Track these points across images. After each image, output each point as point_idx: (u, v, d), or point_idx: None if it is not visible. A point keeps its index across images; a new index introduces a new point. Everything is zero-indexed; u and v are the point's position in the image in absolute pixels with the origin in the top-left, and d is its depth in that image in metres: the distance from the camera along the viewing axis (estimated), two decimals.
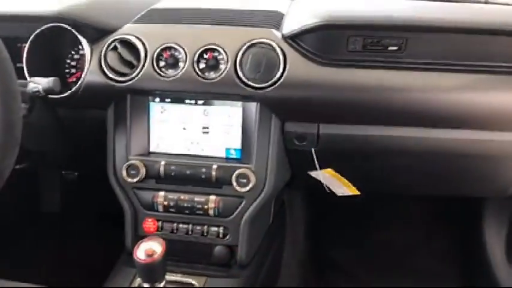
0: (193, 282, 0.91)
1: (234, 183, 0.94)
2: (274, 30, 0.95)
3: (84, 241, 1.37)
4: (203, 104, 0.97)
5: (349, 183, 1.12)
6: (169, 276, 0.89)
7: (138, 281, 0.87)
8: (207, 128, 0.98)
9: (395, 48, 0.89)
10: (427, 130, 0.93)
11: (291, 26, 0.94)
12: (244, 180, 0.94)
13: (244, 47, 0.91)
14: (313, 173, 1.08)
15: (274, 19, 0.98)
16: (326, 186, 1.15)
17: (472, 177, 1.06)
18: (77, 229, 1.43)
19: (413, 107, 0.90)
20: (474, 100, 0.89)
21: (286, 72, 0.89)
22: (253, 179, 0.94)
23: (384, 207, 1.54)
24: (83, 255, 1.31)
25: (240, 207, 0.96)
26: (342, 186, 1.15)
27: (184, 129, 0.99)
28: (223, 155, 0.99)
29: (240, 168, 0.95)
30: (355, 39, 0.89)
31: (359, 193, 1.16)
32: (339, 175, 1.09)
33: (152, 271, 0.76)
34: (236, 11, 1.02)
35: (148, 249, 0.75)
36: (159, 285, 0.78)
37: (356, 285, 1.42)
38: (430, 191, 1.17)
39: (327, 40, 0.90)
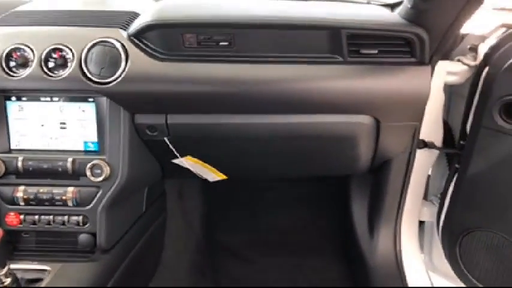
0: (47, 268, 0.96)
1: (89, 174, 1.01)
2: (120, 30, 1.02)
3: None
4: (59, 101, 1.03)
5: (214, 169, 1.22)
6: (18, 265, 0.94)
7: None
8: (64, 123, 1.04)
9: (226, 43, 0.98)
10: (267, 116, 1.03)
11: (134, 25, 1.01)
12: (99, 171, 1.01)
13: (88, 45, 0.98)
14: (176, 161, 1.16)
15: (125, 19, 1.05)
16: (197, 173, 1.24)
17: (319, 158, 1.18)
18: None
19: (248, 96, 1.00)
20: (303, 87, 1.00)
21: (127, 68, 0.97)
22: (106, 169, 1.01)
23: (274, 190, 1.65)
24: None
25: (97, 197, 1.03)
26: (209, 173, 1.24)
27: (42, 125, 1.04)
28: (82, 148, 1.05)
29: (94, 159, 1.01)
30: (189, 36, 0.98)
31: (226, 177, 1.26)
32: (201, 162, 1.18)
33: None
34: (88, 12, 1.08)
35: None
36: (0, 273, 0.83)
37: (248, 266, 1.52)
38: (288, 173, 1.28)
39: (165, 37, 0.99)
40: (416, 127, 1.13)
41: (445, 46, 1.05)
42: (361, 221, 1.41)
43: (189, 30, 0.97)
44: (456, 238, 1.22)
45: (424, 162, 1.29)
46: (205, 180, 1.24)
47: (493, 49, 1.05)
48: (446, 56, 1.15)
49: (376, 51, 0.97)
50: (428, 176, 1.42)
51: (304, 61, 0.99)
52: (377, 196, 1.34)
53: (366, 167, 1.24)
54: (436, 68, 1.13)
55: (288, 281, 1.46)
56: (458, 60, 1.17)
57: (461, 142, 1.17)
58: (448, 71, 1.17)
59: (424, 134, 1.23)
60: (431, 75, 1.10)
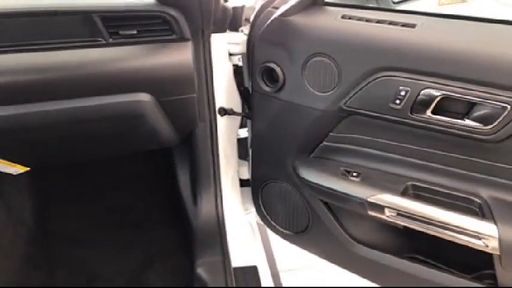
0: None
1: None
2: None
3: None
4: None
5: (7, 162, 1.19)
6: None
7: None
8: None
9: None
10: (38, 104, 1.03)
11: None
12: None
13: None
14: None
15: None
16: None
17: (117, 137, 1.21)
18: None
19: (14, 86, 0.98)
20: (72, 72, 1.01)
21: None
22: None
23: (107, 171, 1.67)
24: None
25: None
26: (6, 166, 1.21)
27: None
28: None
29: None
30: None
31: (28, 168, 1.24)
32: None
33: None
34: None
35: None
36: None
37: (86, 250, 1.53)
38: (95, 154, 1.30)
39: None
40: (200, 98, 1.22)
41: (211, 20, 1.12)
42: (186, 188, 1.50)
43: None
44: (257, 190, 1.37)
45: (230, 127, 1.40)
46: (32, 172, 1.21)
47: (254, 19, 1.15)
48: (223, 29, 1.24)
49: (135, 32, 1.01)
50: (246, 138, 1.55)
51: (69, 46, 1.00)
52: (194, 164, 1.42)
53: (174, 139, 1.31)
54: (218, 40, 1.22)
55: (127, 257, 1.51)
56: (242, 31, 1.27)
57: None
58: (230, 42, 1.26)
59: (224, 102, 1.33)
60: (208, 48, 1.18)
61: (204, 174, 1.42)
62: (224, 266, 1.30)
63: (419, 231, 1.01)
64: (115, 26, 1.00)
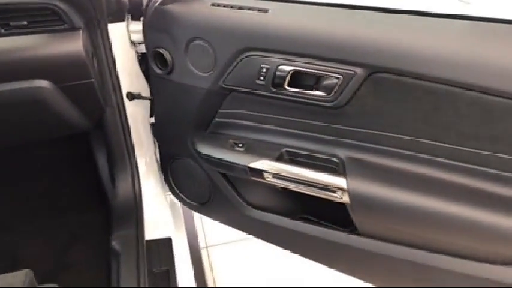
0: None
1: None
2: None
3: None
4: None
5: None
6: None
7: None
8: None
9: None
10: None
11: None
12: None
13: None
14: None
15: None
16: None
17: (22, 124, 1.29)
18: None
19: None
20: None
21: None
22: None
23: (28, 156, 1.73)
24: None
25: None
26: None
27: None
28: None
29: None
30: None
31: None
32: None
33: None
34: None
35: None
36: None
37: (10, 235, 1.60)
38: (2, 141, 1.37)
39: None
40: (104, 84, 1.31)
41: (105, 11, 1.22)
42: (104, 171, 1.59)
43: None
44: (166, 167, 1.48)
45: (141, 110, 1.51)
46: None
47: (145, 8, 1.25)
48: (121, 19, 1.33)
49: (25, 23, 1.10)
50: None
51: None
52: (109, 147, 1.52)
53: (84, 124, 1.39)
54: (119, 28, 1.31)
55: (54, 240, 1.58)
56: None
57: None
58: (131, 30, 1.36)
59: (132, 87, 1.43)
60: (106, 37, 1.28)
61: (119, 156, 1.51)
62: (137, 238, 1.40)
63: (309, 195, 1.15)
64: (5, 18, 1.08)
